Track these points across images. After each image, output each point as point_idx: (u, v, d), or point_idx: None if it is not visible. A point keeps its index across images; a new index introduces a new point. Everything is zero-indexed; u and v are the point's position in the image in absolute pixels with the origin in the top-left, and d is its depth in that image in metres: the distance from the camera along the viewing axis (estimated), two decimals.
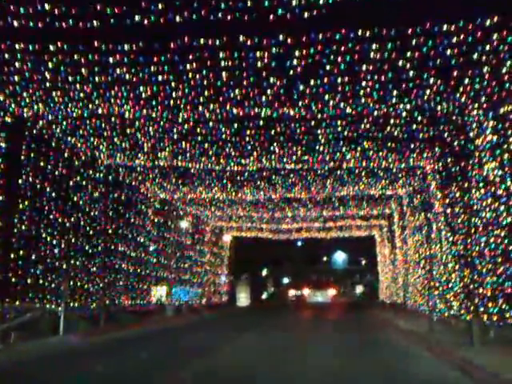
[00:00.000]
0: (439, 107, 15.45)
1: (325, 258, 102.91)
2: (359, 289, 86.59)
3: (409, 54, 12.44)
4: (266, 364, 11.75)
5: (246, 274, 54.89)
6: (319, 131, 17.57)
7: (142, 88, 14.38)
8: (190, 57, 12.76)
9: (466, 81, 13.70)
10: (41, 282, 17.77)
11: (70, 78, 13.90)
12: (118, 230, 23.26)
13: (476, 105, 14.55)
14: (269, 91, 14.27)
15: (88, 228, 20.60)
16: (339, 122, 16.79)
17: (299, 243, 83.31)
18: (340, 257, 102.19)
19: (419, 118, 16.64)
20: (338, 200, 28.95)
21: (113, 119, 17.05)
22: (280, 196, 27.77)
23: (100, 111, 16.04)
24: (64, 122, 17.48)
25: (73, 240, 19.48)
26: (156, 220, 27.83)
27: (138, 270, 26.26)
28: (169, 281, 30.89)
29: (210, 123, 17.08)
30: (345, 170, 22.59)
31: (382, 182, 25.27)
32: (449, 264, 20.21)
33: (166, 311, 29.59)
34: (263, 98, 14.77)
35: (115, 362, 12.14)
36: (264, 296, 64.04)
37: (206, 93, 14.62)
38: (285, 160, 20.83)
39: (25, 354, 13.43)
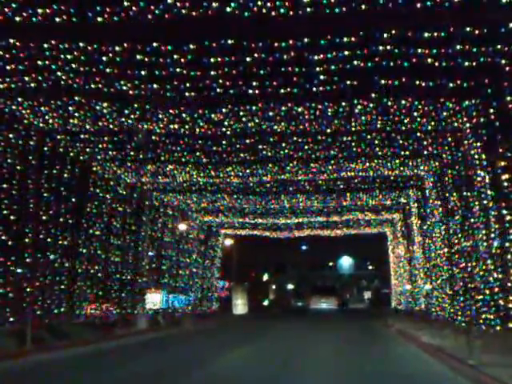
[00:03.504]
0: None
1: (331, 264, 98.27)
2: (367, 295, 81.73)
3: None
4: None
5: (245, 278, 49.62)
6: None
7: None
8: None
9: None
10: None
11: None
12: (59, 218, 17.87)
13: None
14: None
15: (6, 213, 15.19)
16: None
17: (304, 247, 79.19)
18: (346, 262, 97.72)
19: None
20: (343, 183, 23.33)
21: None
22: (273, 178, 22.35)
23: None
24: None
25: None
26: (120, 209, 22.43)
27: (95, 272, 20.99)
28: (141, 285, 25.55)
29: None
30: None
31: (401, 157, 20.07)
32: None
33: (137, 323, 24.30)
34: None
35: None
36: (265, 303, 58.61)
37: None
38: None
39: None
